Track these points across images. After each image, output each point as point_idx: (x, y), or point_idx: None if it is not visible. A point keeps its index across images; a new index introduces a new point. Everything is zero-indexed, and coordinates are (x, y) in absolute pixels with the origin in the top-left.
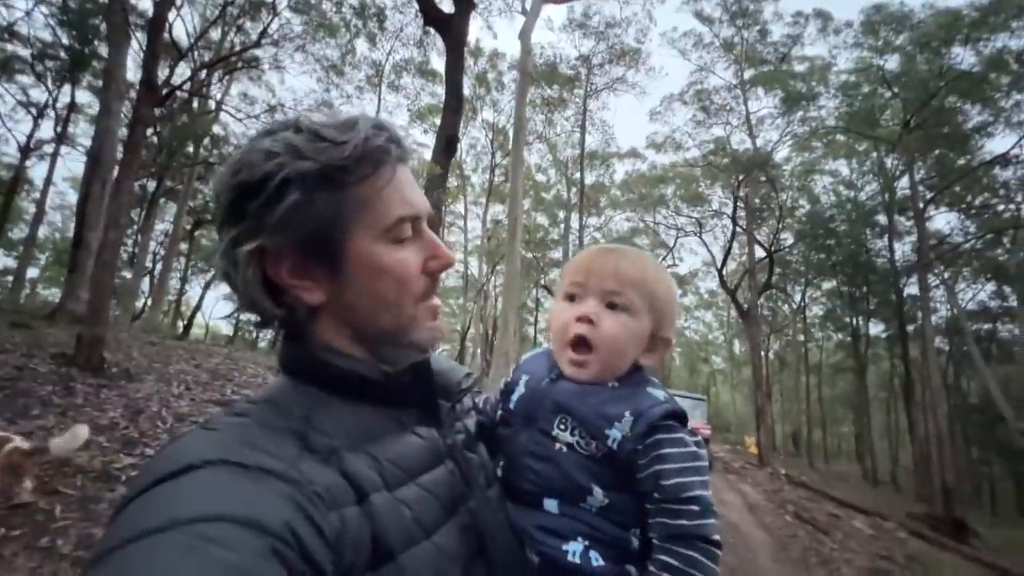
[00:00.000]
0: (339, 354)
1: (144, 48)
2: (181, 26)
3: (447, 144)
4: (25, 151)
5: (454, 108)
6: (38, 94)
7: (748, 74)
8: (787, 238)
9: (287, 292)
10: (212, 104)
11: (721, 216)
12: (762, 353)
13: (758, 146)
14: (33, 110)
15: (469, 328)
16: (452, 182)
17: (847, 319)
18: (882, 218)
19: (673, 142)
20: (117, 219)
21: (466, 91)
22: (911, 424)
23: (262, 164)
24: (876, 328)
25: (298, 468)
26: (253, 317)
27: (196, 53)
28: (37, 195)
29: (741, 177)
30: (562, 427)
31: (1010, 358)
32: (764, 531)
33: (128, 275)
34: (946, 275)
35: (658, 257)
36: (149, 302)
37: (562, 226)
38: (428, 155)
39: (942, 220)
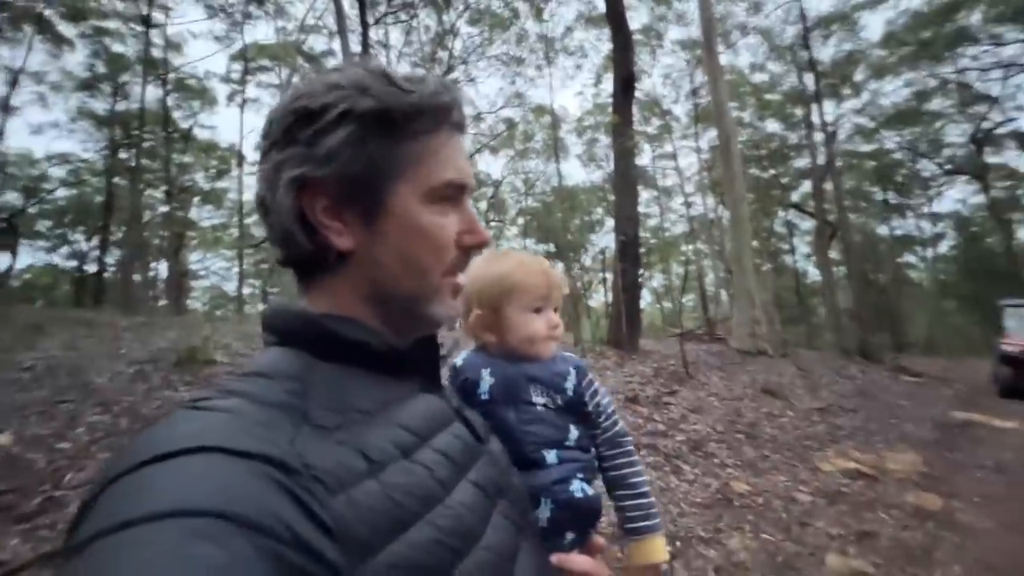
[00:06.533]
0: (343, 320)
1: None
2: None
3: (624, 86)
4: None
5: (623, 45)
6: None
7: None
8: None
9: (317, 232)
10: None
11: None
12: None
13: None
14: None
15: (708, 272)
16: (654, 123)
17: None
18: None
19: None
20: None
21: (644, 16)
22: None
23: (325, 94)
24: None
25: (296, 451)
26: (276, 254)
27: None
28: None
29: None
30: (537, 393)
31: None
32: None
33: None
34: None
35: (971, 118)
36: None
37: (803, 128)
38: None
39: None
